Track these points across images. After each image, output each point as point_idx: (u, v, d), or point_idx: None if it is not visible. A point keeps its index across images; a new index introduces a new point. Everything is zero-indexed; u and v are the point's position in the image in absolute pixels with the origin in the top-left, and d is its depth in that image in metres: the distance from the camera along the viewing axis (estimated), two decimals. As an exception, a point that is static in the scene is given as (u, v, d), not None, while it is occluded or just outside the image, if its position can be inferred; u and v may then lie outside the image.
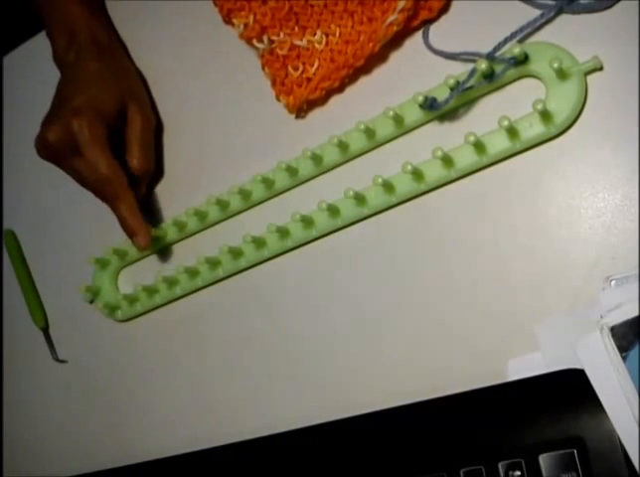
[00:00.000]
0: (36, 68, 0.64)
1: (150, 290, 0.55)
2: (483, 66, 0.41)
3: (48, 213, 0.63)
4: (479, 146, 0.42)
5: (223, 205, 0.52)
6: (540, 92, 0.41)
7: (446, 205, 0.44)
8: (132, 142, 0.53)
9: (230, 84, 0.54)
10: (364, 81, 0.48)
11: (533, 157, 0.42)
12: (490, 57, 0.41)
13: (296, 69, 0.49)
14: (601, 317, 0.37)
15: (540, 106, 0.39)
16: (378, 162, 0.47)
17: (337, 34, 0.47)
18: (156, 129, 0.56)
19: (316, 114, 0.50)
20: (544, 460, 0.37)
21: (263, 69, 0.50)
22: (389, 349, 0.46)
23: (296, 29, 0.48)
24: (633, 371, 0.35)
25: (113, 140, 0.52)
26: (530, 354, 0.40)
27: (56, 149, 0.52)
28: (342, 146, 0.47)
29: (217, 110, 0.54)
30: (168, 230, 0.55)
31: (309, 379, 0.49)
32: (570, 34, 0.41)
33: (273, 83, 0.50)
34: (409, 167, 0.43)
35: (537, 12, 0.42)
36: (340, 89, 0.49)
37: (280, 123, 0.51)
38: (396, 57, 0.47)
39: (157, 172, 0.56)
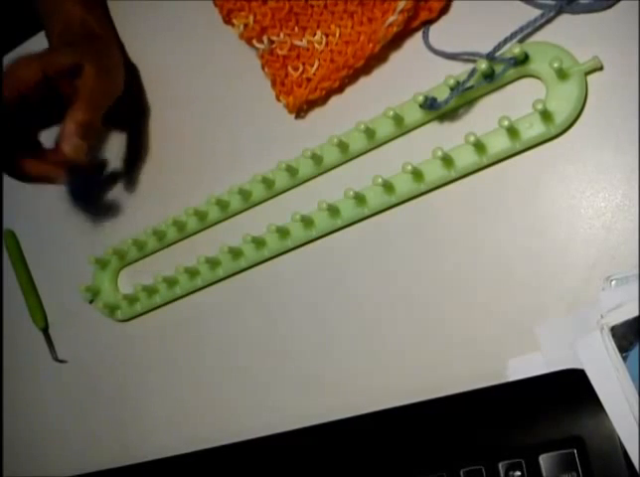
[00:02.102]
0: (36, 68, 0.64)
1: (150, 290, 0.55)
2: (483, 66, 0.41)
3: (48, 213, 0.63)
4: (479, 146, 0.42)
5: (223, 205, 0.52)
6: (540, 92, 0.41)
7: (446, 205, 0.44)
8: (80, 101, 0.51)
9: (230, 85, 0.54)
10: (364, 82, 0.48)
11: (533, 157, 0.42)
12: (490, 57, 0.41)
13: (296, 69, 0.49)
14: (601, 317, 0.37)
15: (540, 106, 0.39)
16: (378, 162, 0.47)
17: (337, 34, 0.47)
18: (155, 129, 0.56)
19: (316, 114, 0.50)
20: (544, 460, 0.37)
21: (263, 69, 0.50)
22: (388, 349, 0.46)
23: (296, 29, 0.48)
24: (633, 371, 0.35)
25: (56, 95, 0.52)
26: (530, 354, 0.40)
27: None
28: (342, 146, 0.47)
29: (217, 110, 0.54)
30: (168, 230, 0.55)
31: (309, 379, 0.49)
32: (570, 34, 0.41)
33: (273, 84, 0.50)
34: (409, 167, 0.43)
35: (537, 12, 0.42)
36: (340, 90, 0.49)
37: (280, 123, 0.51)
38: (395, 57, 0.47)
39: (157, 169, 0.56)
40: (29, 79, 0.50)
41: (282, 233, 0.49)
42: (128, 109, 0.57)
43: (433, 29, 0.46)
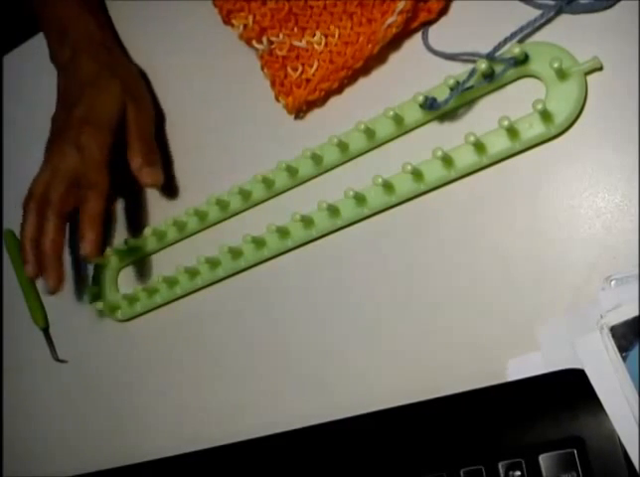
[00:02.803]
0: (36, 68, 0.64)
1: (150, 290, 0.55)
2: (483, 66, 0.41)
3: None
4: (479, 146, 0.42)
5: (223, 205, 0.52)
6: (540, 92, 0.41)
7: (446, 205, 0.44)
8: (133, 141, 0.53)
9: (229, 85, 0.54)
10: (363, 83, 0.48)
11: (533, 157, 0.42)
12: (490, 57, 0.41)
13: (295, 69, 0.49)
14: (601, 317, 0.37)
15: (540, 106, 0.39)
16: (378, 162, 0.47)
17: (336, 35, 0.47)
18: (157, 129, 0.56)
19: (315, 115, 0.50)
20: (544, 460, 0.37)
21: (263, 69, 0.50)
22: (388, 349, 0.46)
23: (295, 30, 0.48)
24: (633, 371, 0.35)
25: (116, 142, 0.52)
26: (530, 354, 0.40)
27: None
28: (342, 146, 0.47)
29: (217, 110, 0.54)
30: (168, 230, 0.55)
31: (309, 379, 0.49)
32: (570, 34, 0.41)
33: (273, 84, 0.50)
34: (409, 167, 0.43)
35: (537, 12, 0.42)
36: (339, 91, 0.49)
37: (280, 123, 0.51)
38: (395, 58, 0.47)
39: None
40: (108, 151, 0.52)
41: (282, 233, 0.49)
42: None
43: (433, 29, 0.46)
